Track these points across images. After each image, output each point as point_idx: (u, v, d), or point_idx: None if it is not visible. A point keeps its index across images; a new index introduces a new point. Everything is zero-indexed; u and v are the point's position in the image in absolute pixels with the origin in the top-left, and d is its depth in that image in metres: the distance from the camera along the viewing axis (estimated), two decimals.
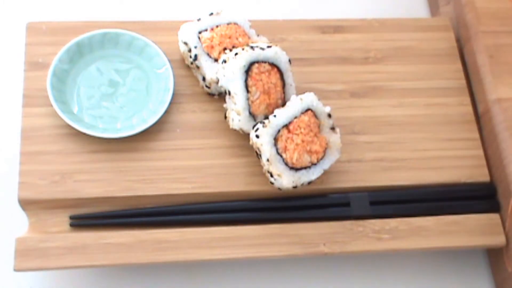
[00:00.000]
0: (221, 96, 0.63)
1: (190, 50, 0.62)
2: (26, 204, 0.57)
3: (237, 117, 0.58)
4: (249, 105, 0.58)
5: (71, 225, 0.57)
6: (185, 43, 0.62)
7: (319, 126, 0.59)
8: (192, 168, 0.60)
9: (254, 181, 0.60)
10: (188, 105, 0.63)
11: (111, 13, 0.72)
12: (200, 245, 0.57)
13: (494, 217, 0.61)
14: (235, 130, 0.60)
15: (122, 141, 0.60)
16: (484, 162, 0.63)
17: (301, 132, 0.57)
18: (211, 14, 0.64)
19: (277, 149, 0.57)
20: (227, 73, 0.58)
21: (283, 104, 0.59)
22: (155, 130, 0.61)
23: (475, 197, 0.62)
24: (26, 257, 0.55)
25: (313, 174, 0.58)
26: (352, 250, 0.59)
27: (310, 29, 0.69)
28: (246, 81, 0.57)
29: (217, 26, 0.63)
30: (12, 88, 0.65)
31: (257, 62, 0.58)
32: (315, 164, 0.58)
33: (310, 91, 0.60)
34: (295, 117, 0.58)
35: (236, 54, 0.58)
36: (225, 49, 0.61)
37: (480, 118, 0.66)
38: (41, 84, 0.61)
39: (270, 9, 0.77)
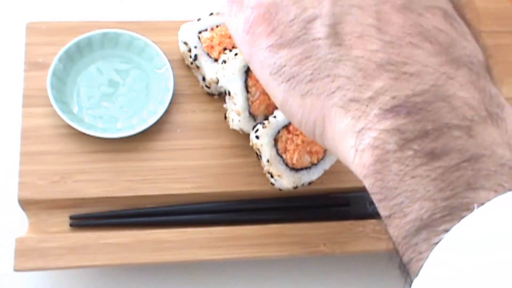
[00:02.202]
0: (221, 96, 0.63)
1: (190, 50, 0.62)
2: (26, 204, 0.57)
3: (237, 117, 0.58)
4: (249, 105, 0.58)
5: (71, 225, 0.57)
6: (185, 43, 0.62)
7: None
8: (192, 168, 0.60)
9: (254, 181, 0.60)
10: (188, 105, 0.63)
11: (111, 13, 0.72)
12: (200, 245, 0.57)
13: None
14: (235, 130, 0.60)
15: (122, 141, 0.60)
16: None
17: (301, 133, 0.57)
18: (211, 14, 0.64)
19: (277, 150, 0.57)
20: (227, 74, 0.58)
21: None
22: (155, 130, 0.61)
23: None
24: (26, 257, 0.55)
25: (313, 175, 0.58)
26: (352, 250, 0.58)
27: None
28: (246, 81, 0.57)
29: (217, 26, 0.63)
30: (12, 88, 0.65)
31: None
32: (315, 165, 0.58)
33: None
34: None
35: (236, 54, 0.58)
36: (225, 49, 0.61)
37: None
38: (41, 84, 0.61)
39: None
